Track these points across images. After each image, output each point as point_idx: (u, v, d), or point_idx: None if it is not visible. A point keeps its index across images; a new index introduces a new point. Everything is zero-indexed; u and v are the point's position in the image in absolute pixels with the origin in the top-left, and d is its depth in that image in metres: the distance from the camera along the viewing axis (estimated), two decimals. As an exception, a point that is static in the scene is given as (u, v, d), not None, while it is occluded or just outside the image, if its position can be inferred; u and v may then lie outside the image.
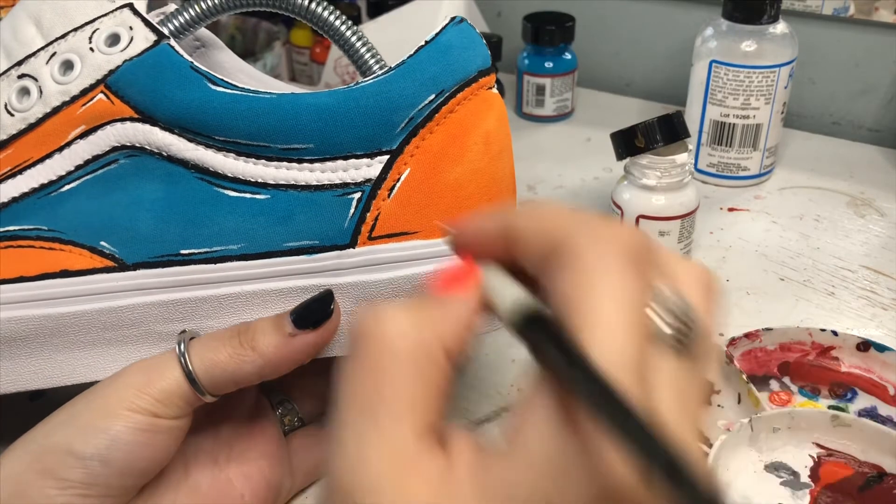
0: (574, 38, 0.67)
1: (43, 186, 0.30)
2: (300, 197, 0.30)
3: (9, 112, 0.31)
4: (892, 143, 0.64)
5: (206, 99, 0.30)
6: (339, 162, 0.30)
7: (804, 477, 0.35)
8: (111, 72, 0.30)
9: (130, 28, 0.30)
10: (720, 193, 0.57)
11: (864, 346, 0.40)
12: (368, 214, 0.30)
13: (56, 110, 0.30)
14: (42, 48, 0.31)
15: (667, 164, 0.46)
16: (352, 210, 0.30)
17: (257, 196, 0.30)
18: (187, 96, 0.30)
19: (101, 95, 0.30)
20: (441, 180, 0.30)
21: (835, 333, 0.41)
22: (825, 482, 0.34)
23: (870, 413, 0.38)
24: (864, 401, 0.39)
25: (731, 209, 0.56)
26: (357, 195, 0.30)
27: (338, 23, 0.33)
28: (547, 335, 0.18)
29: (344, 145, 0.30)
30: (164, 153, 0.30)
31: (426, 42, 0.30)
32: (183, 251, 0.30)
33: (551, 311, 0.19)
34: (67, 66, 0.31)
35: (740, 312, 0.45)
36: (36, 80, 0.31)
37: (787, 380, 0.41)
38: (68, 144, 0.30)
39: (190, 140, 0.30)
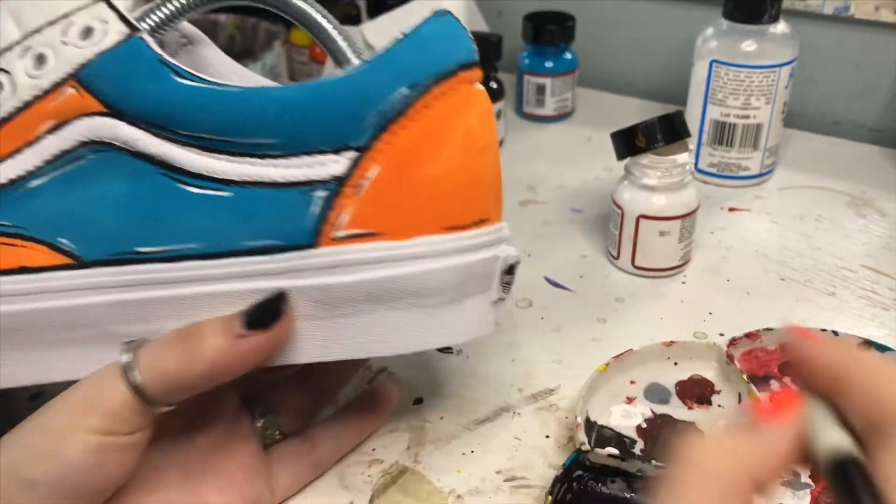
0: (574, 38, 0.67)
1: (11, 182, 0.30)
2: (263, 195, 0.29)
3: None
4: (892, 143, 0.63)
5: (171, 92, 0.29)
6: (305, 158, 0.29)
7: (805, 477, 0.35)
8: (82, 66, 0.29)
9: (105, 21, 0.30)
10: (721, 193, 0.57)
11: (865, 346, 0.40)
12: (332, 213, 0.28)
13: (27, 104, 0.30)
14: (18, 42, 0.30)
15: (667, 164, 0.45)
16: (316, 209, 0.28)
17: (220, 193, 0.29)
18: (153, 90, 0.29)
19: (71, 90, 0.29)
20: (413, 178, 0.28)
21: (835, 334, 0.40)
22: (826, 482, 0.34)
23: (870, 413, 0.38)
24: (864, 401, 0.39)
25: (731, 209, 0.55)
26: (322, 193, 0.28)
27: (312, 11, 0.32)
28: (862, 485, 0.19)
29: (310, 141, 0.28)
30: (130, 148, 0.29)
31: (405, 34, 0.29)
32: (139, 249, 0.29)
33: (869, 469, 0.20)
34: (41, 59, 0.30)
35: (741, 312, 0.45)
36: (9, 73, 0.30)
37: (787, 380, 0.41)
38: (38, 139, 0.30)
39: (156, 135, 0.29)
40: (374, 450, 0.37)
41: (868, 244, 0.51)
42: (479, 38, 0.61)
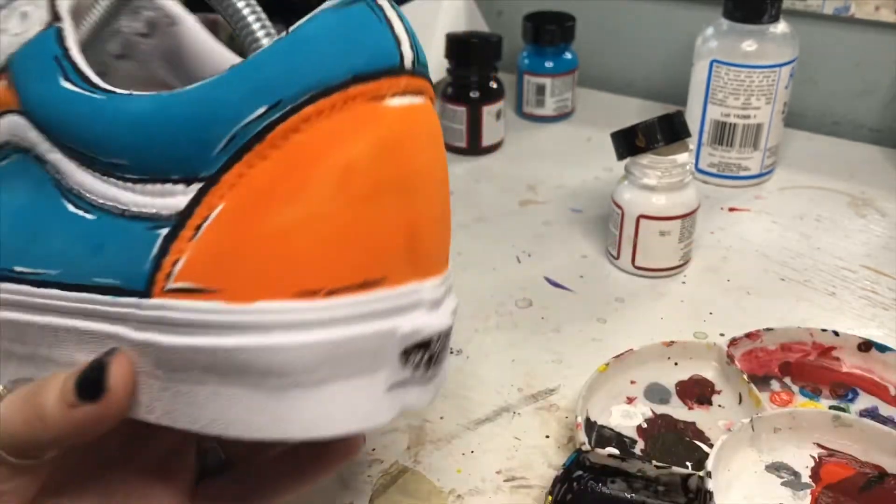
0: (574, 38, 0.67)
1: None
2: (116, 224, 0.24)
3: None
4: (893, 143, 0.63)
5: (54, 95, 0.25)
6: (157, 186, 0.23)
7: (805, 477, 0.35)
8: (11, 56, 0.27)
9: (38, 7, 0.28)
10: (721, 193, 0.57)
11: (866, 346, 0.40)
12: (167, 259, 0.23)
13: None
14: None
15: (667, 164, 0.45)
16: (154, 249, 0.23)
17: (87, 216, 0.25)
18: (42, 89, 0.26)
19: (3, 82, 0.27)
20: (260, 225, 0.22)
21: (836, 333, 0.40)
22: (826, 482, 0.34)
23: (871, 413, 0.38)
24: (865, 401, 0.39)
25: (731, 209, 0.55)
26: (163, 231, 0.23)
27: None
28: None
29: (159, 165, 0.23)
30: (33, 153, 0.26)
31: (286, 32, 0.23)
32: (16, 268, 0.25)
33: None
34: None
35: (741, 312, 0.45)
36: None
37: (788, 380, 0.41)
38: None
39: (51, 141, 0.25)
40: (374, 450, 0.37)
41: (868, 244, 0.51)
42: (479, 38, 0.61)
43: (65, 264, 0.25)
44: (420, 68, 0.23)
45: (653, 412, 0.39)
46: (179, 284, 0.22)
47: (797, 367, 0.41)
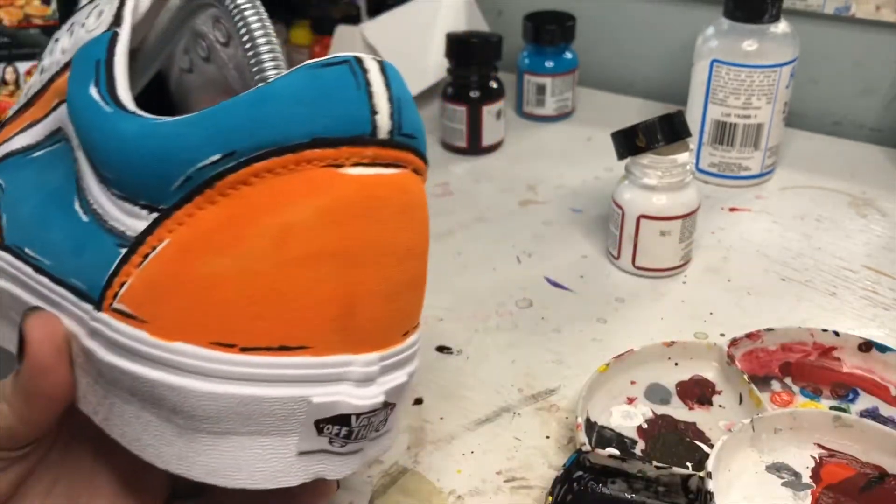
0: (575, 38, 0.67)
1: (24, 148, 0.29)
2: (98, 232, 0.25)
3: (40, 70, 0.30)
4: (893, 143, 0.63)
5: (81, 98, 0.26)
6: (129, 206, 0.24)
7: (805, 478, 0.35)
8: (75, 49, 0.29)
9: (111, 6, 0.29)
10: (721, 193, 0.57)
11: (866, 346, 0.40)
12: (117, 279, 0.23)
13: (53, 78, 0.29)
14: (71, 17, 0.30)
15: (668, 164, 0.45)
16: (112, 267, 0.24)
17: (83, 217, 0.26)
18: (76, 90, 0.27)
19: (67, 73, 0.28)
20: (192, 268, 0.22)
21: (836, 334, 0.40)
22: (827, 483, 0.34)
23: (871, 414, 0.38)
24: (865, 401, 0.39)
25: (732, 209, 0.55)
26: (122, 251, 0.24)
27: (249, 8, 0.26)
28: None
29: (133, 186, 0.24)
30: (72, 145, 0.27)
31: (266, 81, 0.23)
32: (26, 249, 0.27)
33: None
34: (70, 34, 0.30)
35: (741, 312, 0.45)
36: (58, 42, 0.30)
37: (788, 380, 0.40)
38: (49, 114, 0.29)
39: (79, 138, 0.27)
40: (373, 450, 0.37)
41: (869, 244, 0.51)
42: (479, 37, 0.61)
43: (56, 257, 0.25)
44: (401, 139, 0.22)
45: (653, 412, 0.39)
46: (121, 306, 0.23)
47: (798, 367, 0.41)
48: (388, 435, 0.26)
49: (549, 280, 0.48)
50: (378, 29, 0.65)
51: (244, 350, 0.22)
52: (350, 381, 0.23)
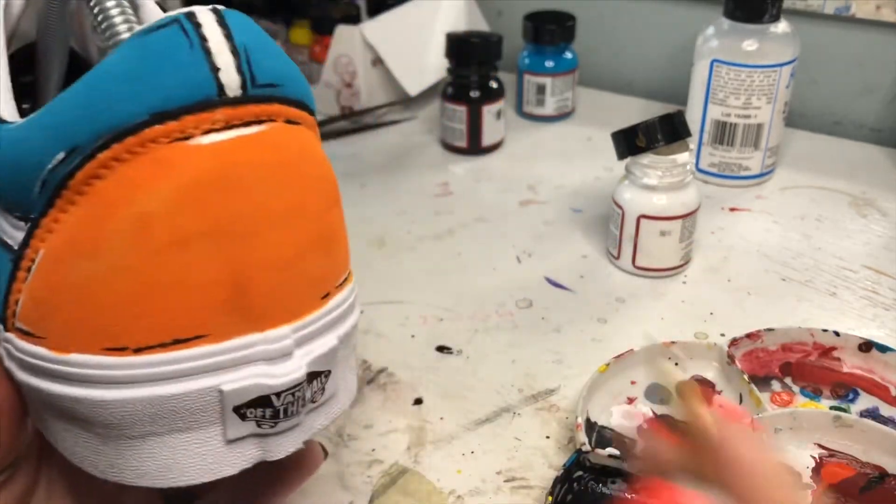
0: (575, 38, 0.67)
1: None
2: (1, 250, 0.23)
3: None
4: (893, 143, 0.63)
5: None
6: (13, 218, 0.22)
7: (806, 478, 0.35)
8: None
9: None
10: (721, 193, 0.57)
11: (866, 346, 0.40)
12: (11, 297, 0.22)
13: None
14: None
15: (668, 164, 0.45)
16: (5, 285, 0.22)
17: None
18: None
19: None
20: (67, 275, 0.21)
21: (836, 334, 0.40)
22: (827, 483, 0.34)
23: (871, 414, 0.38)
24: (865, 401, 0.39)
25: (732, 209, 0.55)
26: (9, 266, 0.22)
27: None
28: None
29: (6, 198, 0.22)
30: None
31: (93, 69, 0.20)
32: None
33: None
34: None
35: (742, 312, 0.45)
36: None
37: (788, 380, 0.40)
38: None
39: None
40: (374, 450, 0.37)
41: (869, 244, 0.51)
42: (480, 37, 0.61)
43: None
44: (258, 92, 0.20)
45: (653, 412, 0.39)
46: (20, 325, 0.22)
47: (798, 367, 0.41)
48: (332, 402, 0.24)
49: (549, 280, 0.48)
50: (378, 29, 0.65)
51: (137, 351, 0.21)
52: (261, 361, 0.21)
